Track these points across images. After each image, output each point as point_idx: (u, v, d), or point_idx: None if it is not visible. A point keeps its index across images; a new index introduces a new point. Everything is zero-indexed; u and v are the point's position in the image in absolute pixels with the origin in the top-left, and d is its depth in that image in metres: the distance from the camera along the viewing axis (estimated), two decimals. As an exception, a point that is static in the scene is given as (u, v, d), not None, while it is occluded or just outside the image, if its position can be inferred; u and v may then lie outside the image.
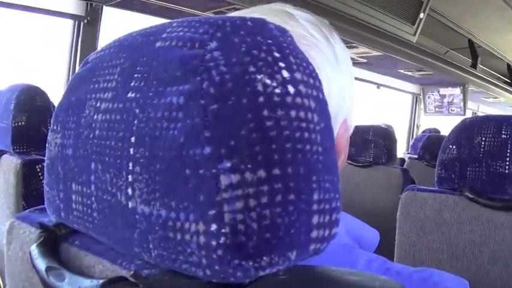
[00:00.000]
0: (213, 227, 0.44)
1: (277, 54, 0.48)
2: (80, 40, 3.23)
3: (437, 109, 7.32)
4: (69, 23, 3.30)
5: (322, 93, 0.51)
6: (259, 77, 0.46)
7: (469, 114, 7.42)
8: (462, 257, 1.78)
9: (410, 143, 6.98)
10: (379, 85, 6.55)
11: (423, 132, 7.12)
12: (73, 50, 3.26)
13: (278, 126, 0.45)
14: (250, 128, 0.44)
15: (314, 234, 0.48)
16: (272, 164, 0.45)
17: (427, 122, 7.80)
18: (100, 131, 0.55)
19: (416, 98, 7.54)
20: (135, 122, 0.50)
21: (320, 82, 0.52)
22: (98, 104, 0.56)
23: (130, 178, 0.50)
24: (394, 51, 4.55)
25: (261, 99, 0.45)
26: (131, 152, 0.50)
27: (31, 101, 1.95)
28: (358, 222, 0.86)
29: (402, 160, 6.02)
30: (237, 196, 0.44)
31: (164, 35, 0.52)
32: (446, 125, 7.05)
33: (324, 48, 0.78)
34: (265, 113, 0.45)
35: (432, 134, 5.99)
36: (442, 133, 6.72)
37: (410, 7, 4.17)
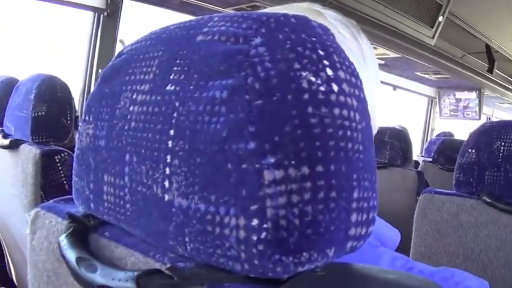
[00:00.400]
0: (255, 221, 0.44)
1: (321, 52, 0.48)
2: (99, 32, 3.24)
3: (452, 113, 7.31)
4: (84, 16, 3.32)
5: (363, 93, 0.51)
6: (304, 74, 0.46)
7: (483, 119, 7.39)
8: (477, 260, 1.78)
9: (425, 145, 6.96)
10: (395, 87, 6.54)
11: (437, 135, 7.10)
12: (92, 42, 3.28)
13: (322, 123, 0.45)
14: (294, 125, 0.44)
15: (352, 232, 0.48)
16: (315, 161, 0.45)
17: (441, 125, 7.78)
18: (136, 122, 0.55)
19: (432, 101, 7.52)
20: (175, 114, 0.50)
21: (361, 81, 0.52)
22: (134, 96, 0.56)
23: (167, 171, 0.50)
24: (412, 53, 4.55)
25: (306, 96, 0.45)
26: (170, 145, 0.50)
27: (52, 91, 1.96)
28: (380, 221, 0.86)
29: (416, 163, 6.01)
30: (280, 192, 0.44)
31: (205, 29, 0.52)
32: (459, 128, 7.03)
33: (353, 46, 0.79)
34: (310, 110, 0.45)
35: (447, 137, 5.97)
36: (455, 137, 6.71)
37: (430, 10, 4.17)
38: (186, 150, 0.48)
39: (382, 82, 4.86)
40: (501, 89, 6.85)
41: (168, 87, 0.52)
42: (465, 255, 1.81)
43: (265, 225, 0.44)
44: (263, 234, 0.44)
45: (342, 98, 0.47)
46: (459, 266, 1.80)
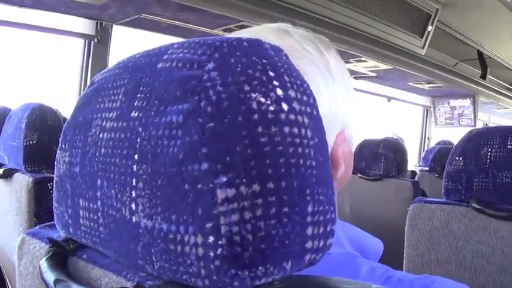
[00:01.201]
0: (211, 238, 0.46)
1: (271, 73, 0.50)
2: (90, 59, 3.26)
3: (447, 121, 7.32)
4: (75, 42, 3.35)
5: (317, 110, 0.54)
6: (253, 95, 0.48)
7: (480, 126, 7.39)
8: (470, 267, 1.79)
9: (422, 155, 6.96)
10: (389, 98, 6.56)
11: (436, 144, 7.10)
12: (84, 68, 3.30)
13: (272, 142, 0.47)
14: (245, 144, 0.46)
15: (309, 245, 0.50)
16: (266, 178, 0.47)
17: (441, 134, 7.77)
18: (105, 149, 0.57)
19: (427, 110, 7.53)
20: (138, 140, 0.52)
21: (314, 99, 0.54)
22: (104, 123, 0.59)
23: (133, 193, 0.52)
24: (403, 64, 4.57)
25: (255, 116, 0.47)
26: (134, 169, 0.52)
27: (42, 120, 1.97)
28: (360, 232, 0.87)
29: (413, 172, 6.01)
30: (232, 209, 0.46)
31: (165, 56, 0.55)
32: (459, 136, 7.03)
33: (317, 61, 0.80)
34: (260, 129, 0.47)
35: (442, 146, 5.97)
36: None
37: (418, 20, 4.19)
38: (148, 173, 0.51)
39: (376, 94, 4.89)
40: (495, 94, 6.87)
41: (132, 114, 0.54)
42: (457, 262, 1.82)
43: (220, 242, 0.46)
44: (219, 251, 0.46)
45: (292, 116, 0.49)
46: (452, 274, 1.82)
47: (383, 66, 4.72)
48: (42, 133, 1.95)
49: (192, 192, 0.47)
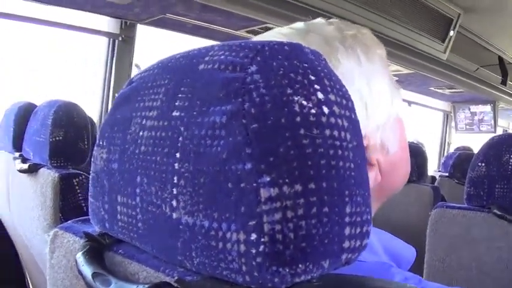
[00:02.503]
0: (253, 236, 0.48)
1: (312, 77, 0.52)
2: (115, 57, 3.29)
3: (467, 127, 7.29)
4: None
5: (355, 113, 0.55)
6: (296, 98, 0.50)
7: (499, 132, 7.34)
8: (491, 273, 1.79)
9: (441, 160, 6.93)
10: (410, 103, 6.54)
11: (456, 150, 7.06)
12: (108, 66, 3.32)
13: (313, 143, 0.49)
14: (288, 146, 0.48)
15: (346, 244, 0.52)
16: (308, 179, 0.48)
17: (461, 140, 7.73)
18: (145, 146, 0.59)
19: (447, 115, 7.51)
20: (180, 139, 0.54)
21: (352, 103, 0.55)
22: (144, 122, 0.60)
23: (175, 191, 0.54)
24: (425, 68, 4.56)
25: (298, 119, 0.49)
26: (176, 167, 0.54)
27: (68, 116, 2.00)
28: (395, 240, 0.88)
29: (433, 178, 5.98)
30: (275, 208, 0.47)
31: (207, 58, 0.56)
32: (480, 142, 6.99)
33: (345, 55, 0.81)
34: (302, 131, 0.49)
35: (462, 151, 5.95)
36: (475, 151, 6.65)
37: (441, 25, 4.17)
38: (190, 172, 0.52)
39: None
40: (515, 100, 6.83)
41: (174, 113, 0.56)
42: (478, 268, 1.82)
43: (262, 239, 0.47)
44: (261, 248, 0.47)
45: (332, 120, 0.51)
46: (473, 279, 1.82)
47: (405, 71, 4.71)
48: (69, 129, 1.99)
49: (235, 191, 0.48)
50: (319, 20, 0.90)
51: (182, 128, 0.54)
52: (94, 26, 3.23)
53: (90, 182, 0.72)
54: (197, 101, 0.54)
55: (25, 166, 2.07)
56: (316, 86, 0.51)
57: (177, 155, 0.54)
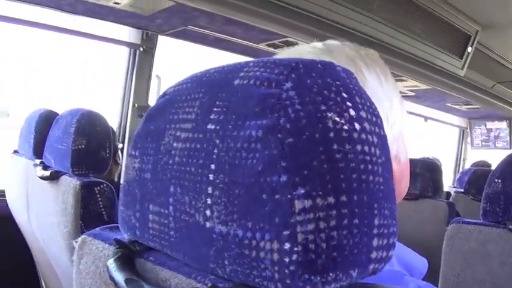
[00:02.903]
0: (287, 245, 0.50)
1: (344, 95, 0.54)
2: (135, 67, 3.32)
3: (483, 143, 7.25)
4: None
5: (383, 130, 0.57)
6: (329, 114, 0.52)
7: (515, 149, 7.31)
8: (504, 286, 1.80)
9: (457, 176, 6.91)
10: (426, 118, 6.53)
11: (472, 165, 7.03)
12: (128, 76, 3.35)
13: (346, 158, 0.51)
14: (321, 160, 0.50)
15: (373, 255, 0.54)
16: (340, 192, 0.50)
17: (476, 155, 7.69)
18: (179, 157, 0.61)
19: (463, 131, 7.48)
20: (215, 151, 0.56)
21: (381, 120, 0.57)
22: (178, 133, 0.63)
23: (209, 201, 0.56)
24: (442, 84, 4.55)
25: (331, 134, 0.51)
26: (211, 178, 0.56)
27: (91, 125, 2.03)
28: (408, 251, 0.90)
29: (448, 193, 5.97)
30: (309, 219, 0.49)
31: (242, 74, 0.58)
32: (498, 158, 6.96)
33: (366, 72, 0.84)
34: (335, 146, 0.51)
35: (478, 168, 5.92)
36: (493, 167, 6.61)
37: (458, 41, 4.17)
38: (225, 183, 0.54)
39: (413, 113, 4.86)
40: (531, 118, 6.81)
41: (209, 126, 0.58)
42: (492, 282, 1.83)
43: (296, 249, 0.49)
44: (294, 257, 0.49)
45: (363, 136, 0.53)
46: (487, 294, 1.84)
47: (422, 86, 4.71)
48: (91, 138, 2.01)
49: (270, 202, 0.50)
50: (332, 41, 0.93)
51: (217, 141, 0.56)
52: (114, 35, 3.26)
53: (121, 191, 0.74)
54: (233, 115, 0.56)
55: (47, 173, 2.09)
56: (348, 103, 0.54)
57: (212, 166, 0.56)
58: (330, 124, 0.51)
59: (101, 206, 1.90)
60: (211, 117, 0.58)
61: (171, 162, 0.63)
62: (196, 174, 0.58)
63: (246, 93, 0.56)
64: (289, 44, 3.14)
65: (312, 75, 0.54)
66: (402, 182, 0.90)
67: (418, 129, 6.69)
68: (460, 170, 7.22)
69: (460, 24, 3.95)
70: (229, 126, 0.55)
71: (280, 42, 3.14)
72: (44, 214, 2.17)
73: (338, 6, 2.77)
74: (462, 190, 5.40)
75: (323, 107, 0.52)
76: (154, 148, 0.66)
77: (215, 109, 0.58)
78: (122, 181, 2.99)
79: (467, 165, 7.24)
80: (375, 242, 0.53)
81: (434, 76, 4.25)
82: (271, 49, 3.30)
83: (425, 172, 3.81)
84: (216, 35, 3.14)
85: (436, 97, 5.35)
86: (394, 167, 0.85)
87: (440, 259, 2.01)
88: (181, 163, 0.61)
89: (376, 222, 0.53)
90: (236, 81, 0.58)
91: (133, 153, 0.71)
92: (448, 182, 6.96)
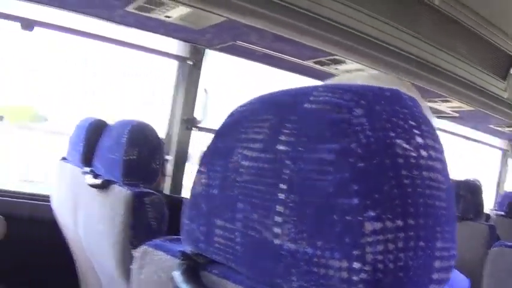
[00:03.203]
0: (356, 264, 0.52)
1: (412, 123, 0.57)
2: (183, 80, 3.36)
3: (525, 165, 7.19)
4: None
5: (445, 157, 0.59)
6: (398, 141, 0.54)
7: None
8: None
9: (498, 199, 6.82)
10: (469, 139, 6.48)
11: (513, 189, 6.93)
12: (176, 89, 3.39)
13: (414, 184, 0.54)
14: (391, 185, 0.53)
15: (435, 276, 0.56)
16: (408, 215, 0.53)
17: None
18: (248, 175, 0.64)
19: (505, 153, 7.40)
20: (286, 171, 0.59)
21: (443, 148, 0.60)
22: (246, 152, 0.66)
23: (279, 219, 0.59)
24: (486, 106, 4.52)
25: (401, 160, 0.54)
26: (281, 197, 0.59)
27: (143, 136, 2.07)
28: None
29: (488, 216, 5.92)
30: (378, 240, 0.52)
31: (311, 98, 0.61)
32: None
33: None
34: (404, 172, 0.53)
35: (520, 191, 5.87)
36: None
37: (502, 62, 4.14)
38: (296, 202, 0.57)
39: (456, 134, 4.81)
40: None
41: (279, 147, 0.61)
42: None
43: (365, 268, 0.52)
44: (363, 276, 0.52)
45: (429, 162, 0.56)
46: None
47: (466, 107, 4.68)
48: (142, 149, 2.05)
49: (341, 223, 0.53)
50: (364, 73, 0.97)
51: (288, 162, 0.59)
52: (166, 49, 3.31)
53: (187, 205, 0.77)
54: (303, 138, 0.59)
55: (97, 181, 2.14)
56: (416, 131, 0.56)
57: (282, 185, 0.59)
58: (399, 150, 0.54)
59: (151, 216, 1.93)
60: (281, 138, 0.61)
61: (239, 179, 0.65)
62: (265, 193, 0.61)
63: (316, 117, 0.59)
64: (337, 62, 3.16)
65: (380, 103, 0.57)
66: None
67: (461, 151, 6.63)
68: (501, 192, 7.14)
69: (505, 46, 3.93)
70: (300, 149, 0.58)
71: (327, 60, 3.15)
72: (91, 221, 2.21)
73: (385, 25, 2.79)
74: (503, 213, 5.35)
75: (392, 134, 0.55)
76: (223, 165, 0.69)
77: (285, 131, 0.61)
78: (164, 191, 3.06)
79: (509, 188, 7.16)
80: (436, 264, 0.56)
81: (478, 97, 4.23)
82: (318, 66, 3.32)
83: (467, 194, 3.79)
84: (264, 51, 3.16)
85: (479, 118, 5.31)
86: None
87: (480, 282, 2.01)
88: (250, 181, 0.64)
89: (439, 245, 0.56)
90: (306, 105, 0.61)
91: (201, 169, 0.74)
92: (489, 205, 6.89)
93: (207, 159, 0.74)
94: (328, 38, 2.63)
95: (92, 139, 2.49)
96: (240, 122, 0.70)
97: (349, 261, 0.53)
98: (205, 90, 3.35)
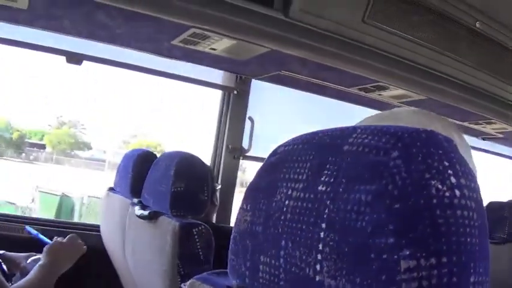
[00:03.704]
0: None
1: (446, 163, 0.59)
2: (229, 110, 3.40)
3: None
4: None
5: (480, 195, 0.61)
6: (433, 182, 0.57)
7: None
8: None
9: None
10: (498, 155, 6.40)
11: None
12: (223, 118, 3.44)
13: (447, 223, 0.56)
14: (425, 224, 0.55)
15: None
16: (441, 253, 0.55)
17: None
18: (291, 214, 0.67)
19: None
20: (326, 211, 0.62)
21: (478, 186, 0.62)
22: (289, 192, 0.69)
23: (319, 256, 0.62)
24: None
25: (434, 201, 0.56)
26: (321, 235, 0.62)
27: (190, 168, 2.12)
28: None
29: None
30: (413, 277, 0.54)
31: (351, 140, 0.64)
32: None
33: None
34: (438, 212, 0.56)
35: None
36: None
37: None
38: (335, 241, 0.60)
39: (501, 155, 4.73)
40: None
41: (319, 188, 0.64)
42: None
43: None
44: None
45: (463, 201, 0.58)
46: None
47: (510, 128, 4.64)
48: (190, 181, 2.09)
49: (378, 261, 0.56)
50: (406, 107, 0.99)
51: (328, 202, 0.62)
52: (212, 79, 3.35)
53: (231, 240, 0.80)
54: (343, 179, 0.61)
55: (145, 213, 2.19)
56: (450, 171, 0.58)
57: (323, 225, 0.62)
58: (433, 191, 0.56)
59: (198, 247, 1.96)
60: (322, 179, 0.64)
61: (282, 218, 0.68)
62: (307, 231, 0.64)
63: (355, 159, 0.62)
64: (380, 88, 3.16)
65: (416, 144, 0.60)
66: None
67: (508, 172, 6.55)
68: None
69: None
70: (340, 189, 0.61)
71: (371, 86, 3.16)
72: (140, 251, 2.25)
73: (426, 50, 2.78)
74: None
75: (427, 175, 0.57)
76: (266, 204, 0.72)
77: (325, 172, 0.64)
78: (214, 220, 3.07)
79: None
80: None
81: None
82: (362, 93, 3.32)
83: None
84: (308, 79, 3.18)
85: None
86: None
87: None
88: (293, 220, 0.67)
89: (472, 279, 0.57)
90: (346, 147, 0.64)
91: (244, 206, 0.77)
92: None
93: (250, 197, 0.77)
94: (371, 65, 2.64)
95: (140, 170, 2.54)
96: (283, 161, 0.73)
97: None
98: (251, 118, 3.37)
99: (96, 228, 3.10)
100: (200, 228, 1.98)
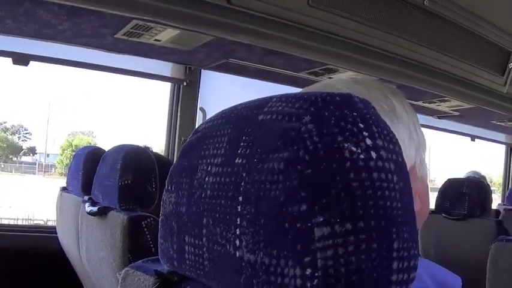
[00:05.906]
0: (308, 271, 0.53)
1: (361, 125, 0.57)
2: (179, 102, 3.38)
3: (532, 158, 7.16)
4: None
5: (401, 156, 0.59)
6: (346, 145, 0.55)
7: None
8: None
9: (506, 194, 6.81)
10: (473, 137, 6.48)
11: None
12: (173, 110, 3.41)
13: (362, 186, 0.54)
14: (339, 189, 0.53)
15: (394, 277, 0.56)
16: (357, 218, 0.53)
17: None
18: (211, 191, 0.65)
19: (510, 148, 7.38)
20: (242, 184, 0.59)
21: (399, 147, 0.60)
22: (209, 168, 0.66)
23: (238, 231, 0.59)
24: (486, 102, 4.50)
25: (348, 164, 0.54)
26: (239, 209, 0.59)
27: (136, 161, 2.09)
28: (440, 268, 0.92)
29: (497, 212, 5.90)
30: (328, 245, 0.52)
31: (265, 109, 0.62)
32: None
33: (381, 103, 0.87)
34: (352, 175, 0.54)
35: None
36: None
37: (500, 58, 4.13)
38: (252, 214, 0.57)
39: (458, 133, 4.81)
40: None
41: (236, 160, 0.62)
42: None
43: (316, 274, 0.52)
44: (315, 282, 0.52)
45: (379, 163, 0.56)
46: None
47: (466, 105, 4.67)
48: (137, 174, 2.07)
49: (292, 230, 0.53)
50: (345, 75, 0.99)
51: (244, 174, 0.60)
52: (159, 72, 3.33)
53: (159, 224, 0.78)
54: (257, 149, 0.59)
55: (95, 209, 2.16)
56: (365, 133, 0.56)
57: (240, 198, 0.59)
58: (347, 154, 0.54)
59: (149, 239, 1.94)
60: (239, 151, 0.62)
61: (203, 195, 0.66)
62: (226, 206, 0.61)
63: (268, 127, 0.59)
64: (330, 71, 3.17)
65: (329, 108, 0.58)
66: (427, 202, 0.93)
67: (466, 148, 6.63)
68: (509, 187, 7.11)
69: (500, 41, 3.92)
70: (255, 160, 0.59)
71: (320, 70, 3.16)
72: (93, 249, 2.22)
73: (375, 30, 2.78)
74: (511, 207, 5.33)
75: (340, 138, 0.55)
76: (189, 183, 0.70)
77: (242, 144, 0.62)
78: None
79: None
80: (394, 265, 0.55)
81: (477, 95, 4.22)
82: (312, 77, 3.32)
83: (472, 192, 3.78)
84: (257, 66, 3.17)
85: (480, 115, 5.30)
86: (419, 187, 0.89)
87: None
88: (213, 196, 0.64)
89: (396, 245, 0.55)
90: (260, 117, 0.62)
91: (169, 188, 0.75)
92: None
93: (174, 178, 0.74)
94: (318, 48, 2.62)
95: (90, 167, 2.50)
96: (203, 138, 0.71)
97: (301, 268, 0.53)
98: (202, 109, 3.36)
99: (52, 230, 3.06)
100: (149, 220, 1.96)
